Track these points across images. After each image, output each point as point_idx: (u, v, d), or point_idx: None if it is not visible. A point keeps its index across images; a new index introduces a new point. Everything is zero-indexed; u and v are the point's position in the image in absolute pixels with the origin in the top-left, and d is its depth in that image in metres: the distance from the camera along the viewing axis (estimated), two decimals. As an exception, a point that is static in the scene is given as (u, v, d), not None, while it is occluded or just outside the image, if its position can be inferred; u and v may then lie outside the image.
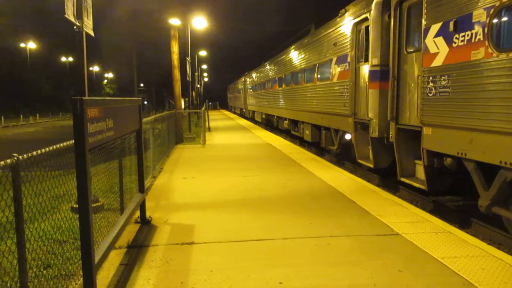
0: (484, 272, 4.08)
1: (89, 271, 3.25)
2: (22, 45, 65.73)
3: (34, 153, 2.92)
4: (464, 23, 5.67)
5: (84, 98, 3.19)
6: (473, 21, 5.48)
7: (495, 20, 5.20)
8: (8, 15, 56.64)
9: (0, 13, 53.60)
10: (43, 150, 3.07)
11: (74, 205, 6.24)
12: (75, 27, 6.26)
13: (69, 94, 77.75)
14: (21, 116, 48.85)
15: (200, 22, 22.45)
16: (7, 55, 60.99)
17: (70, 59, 77.70)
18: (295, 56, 17.28)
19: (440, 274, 4.07)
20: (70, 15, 5.92)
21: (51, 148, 3.23)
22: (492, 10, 5.15)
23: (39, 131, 34.39)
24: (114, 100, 4.42)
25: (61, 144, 3.46)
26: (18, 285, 2.93)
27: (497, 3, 5.06)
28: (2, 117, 42.74)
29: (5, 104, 56.10)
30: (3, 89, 58.13)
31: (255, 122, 31.40)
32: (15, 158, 2.65)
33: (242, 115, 44.74)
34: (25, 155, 2.82)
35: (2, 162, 2.52)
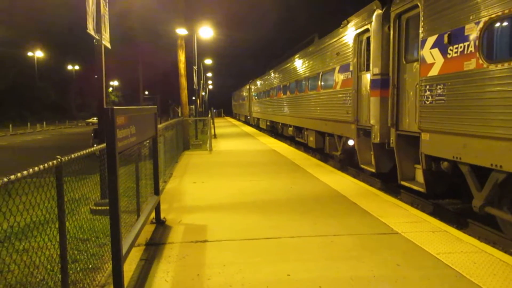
0: (476, 266, 4.43)
1: (118, 260, 3.63)
2: (30, 54, 66.71)
3: (73, 155, 3.34)
4: (457, 36, 6.09)
5: (115, 107, 3.60)
6: (466, 34, 5.89)
7: (485, 34, 5.60)
8: (16, 25, 57.72)
9: (8, 23, 54.61)
10: (80, 153, 3.49)
11: (93, 207, 6.66)
12: (94, 40, 6.71)
13: (75, 103, 78.71)
14: (29, 123, 49.55)
15: (206, 32, 22.99)
16: (15, 64, 61.91)
17: (77, 67, 78.73)
18: (299, 65, 17.73)
19: (434, 267, 4.43)
20: (91, 29, 6.38)
21: (86, 151, 3.65)
22: (482, 24, 5.56)
23: (47, 139, 34.95)
24: (135, 109, 4.84)
25: (93, 148, 3.89)
26: (59, 274, 3.32)
27: (486, 18, 5.47)
28: (10, 125, 43.46)
29: (13, 112, 56.93)
30: (11, 98, 59.00)
31: (260, 129, 31.82)
32: (59, 159, 3.06)
33: (247, 122, 45.19)
34: (66, 157, 3.23)
35: (50, 163, 2.93)
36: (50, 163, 2.92)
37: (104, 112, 3.55)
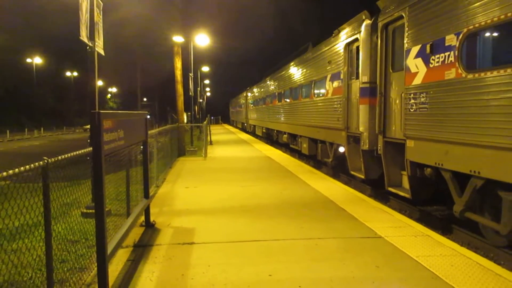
0: (452, 268, 4.57)
1: (102, 260, 3.76)
2: (28, 60, 66.91)
3: (60, 157, 3.48)
4: (438, 46, 6.29)
5: (101, 111, 3.75)
6: (446, 44, 6.09)
7: (463, 45, 5.81)
8: (14, 31, 58.03)
9: (7, 29, 54.93)
10: (67, 155, 3.63)
11: (84, 210, 6.79)
12: (88, 47, 6.88)
13: (72, 109, 78.82)
14: (26, 129, 49.56)
15: (202, 39, 23.18)
16: (14, 70, 62.09)
17: (75, 73, 78.96)
18: (294, 73, 17.96)
19: (412, 269, 4.58)
20: (84, 37, 6.55)
21: (73, 153, 3.79)
22: (461, 35, 5.76)
23: (44, 145, 34.98)
24: (124, 113, 5.00)
25: (80, 151, 4.03)
26: (44, 273, 3.45)
27: (465, 30, 5.67)
28: (8, 131, 43.47)
29: (10, 118, 56.98)
30: (9, 103, 59.11)
31: (256, 136, 31.98)
32: (46, 161, 3.21)
33: (243, 129, 45.37)
34: (52, 159, 3.37)
35: (36, 164, 3.07)
36: (37, 163, 3.06)
37: (92, 115, 3.70)
